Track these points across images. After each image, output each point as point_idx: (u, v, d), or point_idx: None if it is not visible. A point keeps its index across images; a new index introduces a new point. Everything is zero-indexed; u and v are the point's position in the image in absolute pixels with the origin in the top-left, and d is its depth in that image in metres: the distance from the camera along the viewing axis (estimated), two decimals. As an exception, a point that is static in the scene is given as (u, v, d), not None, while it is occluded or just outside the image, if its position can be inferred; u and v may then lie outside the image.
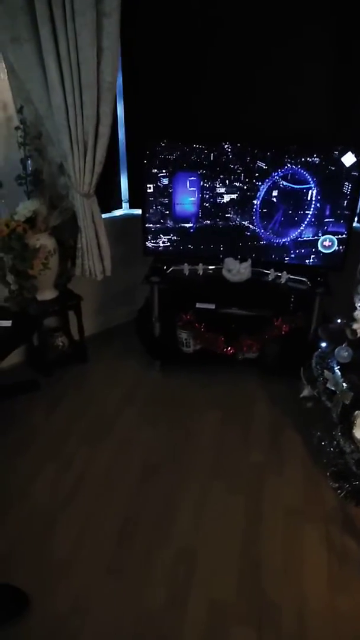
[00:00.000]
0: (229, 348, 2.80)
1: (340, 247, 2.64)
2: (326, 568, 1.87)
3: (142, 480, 2.22)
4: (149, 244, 2.82)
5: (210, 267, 2.85)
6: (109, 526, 2.01)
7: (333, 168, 2.48)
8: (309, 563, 1.88)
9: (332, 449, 2.22)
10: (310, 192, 2.56)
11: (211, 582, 1.80)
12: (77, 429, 2.51)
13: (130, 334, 3.18)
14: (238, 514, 2.07)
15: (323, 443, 2.29)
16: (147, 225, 2.77)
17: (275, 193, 2.60)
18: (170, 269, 2.86)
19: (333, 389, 2.06)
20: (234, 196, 2.64)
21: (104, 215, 2.85)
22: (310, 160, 2.48)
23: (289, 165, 2.52)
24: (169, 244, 2.81)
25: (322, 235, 2.64)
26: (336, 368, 2.11)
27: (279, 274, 2.74)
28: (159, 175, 2.63)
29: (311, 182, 2.53)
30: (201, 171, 2.61)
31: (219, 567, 1.86)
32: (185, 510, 2.09)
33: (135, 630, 1.65)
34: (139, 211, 2.85)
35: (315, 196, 2.56)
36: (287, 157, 2.50)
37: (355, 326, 2.00)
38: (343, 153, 2.43)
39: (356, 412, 1.90)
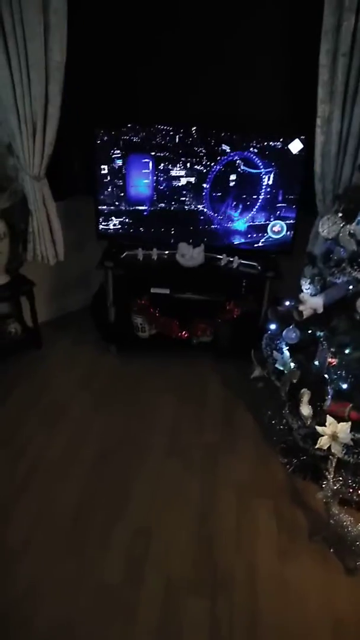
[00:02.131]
0: (184, 332, 2.84)
1: (289, 232, 2.71)
2: (276, 539, 1.96)
3: (97, 463, 2.24)
4: (102, 228, 2.79)
5: (165, 252, 2.86)
6: (65, 509, 2.01)
7: (282, 154, 2.53)
8: (260, 535, 1.97)
9: (281, 426, 2.32)
10: (260, 177, 2.60)
11: (166, 558, 1.85)
12: (31, 415, 2.49)
13: (85, 320, 3.16)
14: (192, 492, 2.13)
15: (273, 421, 2.38)
16: (100, 207, 2.74)
17: (225, 178, 2.63)
18: (125, 254, 2.85)
19: (282, 368, 2.14)
20: (187, 180, 2.65)
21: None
22: (259, 145, 2.52)
23: (238, 150, 2.55)
24: (120, 227, 2.79)
25: (273, 220, 2.70)
26: (285, 349, 2.19)
27: (231, 259, 2.79)
28: (112, 157, 2.61)
29: (261, 168, 2.58)
30: (154, 153, 2.60)
31: (174, 543, 1.91)
32: (140, 490, 2.12)
33: (92, 608, 1.67)
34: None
35: (266, 182, 2.61)
36: (237, 142, 2.53)
37: (301, 308, 2.08)
38: (291, 140, 2.49)
39: (302, 389, 1.98)
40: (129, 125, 2.54)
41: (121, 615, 1.66)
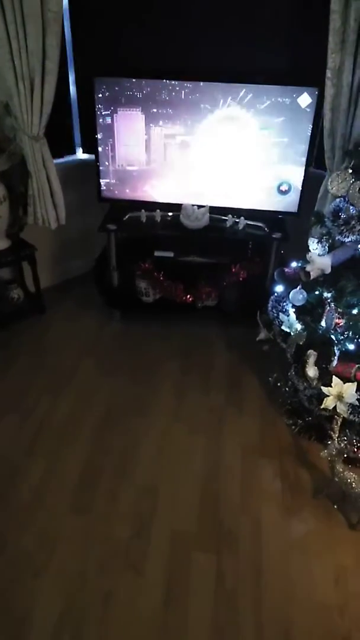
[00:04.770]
0: (188, 296, 2.81)
1: (296, 193, 2.63)
2: (280, 497, 1.99)
3: (103, 426, 2.26)
4: (104, 189, 2.73)
5: (168, 213, 2.80)
6: (72, 469, 2.05)
7: (289, 109, 2.43)
8: (265, 493, 2.00)
9: (287, 388, 2.33)
10: (265, 134, 2.52)
11: (173, 515, 1.89)
12: (36, 380, 2.50)
13: (89, 285, 3.13)
14: (198, 453, 2.16)
15: (279, 383, 2.39)
16: (102, 168, 2.66)
17: (226, 134, 2.54)
18: (127, 216, 2.80)
19: (288, 330, 2.12)
20: (183, 137, 2.57)
21: (56, 161, 2.72)
22: (264, 100, 2.43)
23: (246, 105, 2.45)
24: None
25: (279, 180, 2.63)
26: (291, 311, 2.16)
27: (237, 220, 2.73)
28: (110, 114, 2.52)
29: (265, 124, 2.49)
30: (155, 110, 2.50)
31: (180, 501, 1.95)
32: (147, 452, 2.15)
33: (101, 561, 1.72)
34: (92, 155, 2.73)
35: (271, 139, 2.52)
36: (240, 95, 2.43)
37: (308, 268, 2.04)
38: (299, 94, 2.39)
39: (309, 351, 1.97)
40: (134, 80, 2.44)
41: (129, 568, 1.71)
